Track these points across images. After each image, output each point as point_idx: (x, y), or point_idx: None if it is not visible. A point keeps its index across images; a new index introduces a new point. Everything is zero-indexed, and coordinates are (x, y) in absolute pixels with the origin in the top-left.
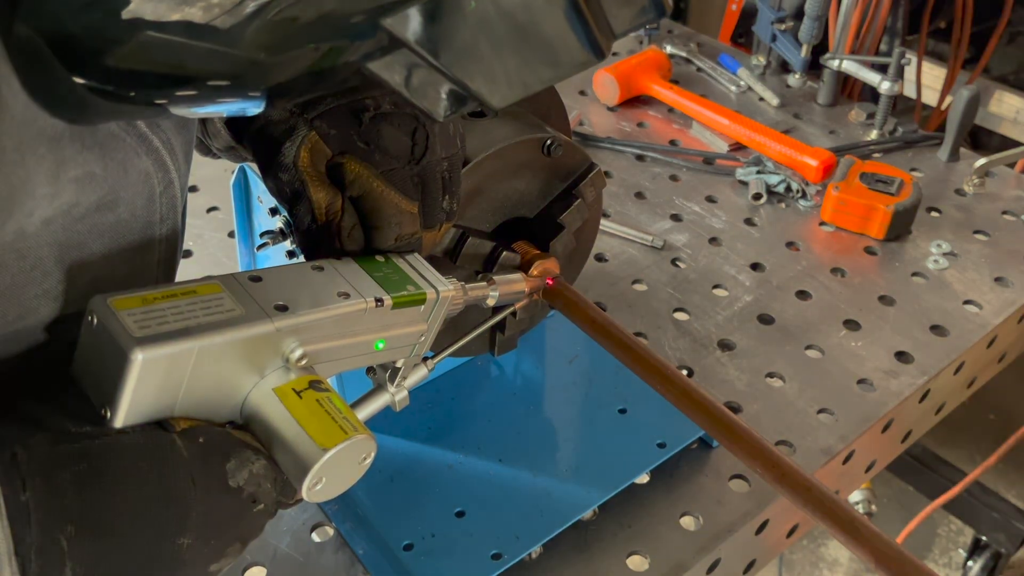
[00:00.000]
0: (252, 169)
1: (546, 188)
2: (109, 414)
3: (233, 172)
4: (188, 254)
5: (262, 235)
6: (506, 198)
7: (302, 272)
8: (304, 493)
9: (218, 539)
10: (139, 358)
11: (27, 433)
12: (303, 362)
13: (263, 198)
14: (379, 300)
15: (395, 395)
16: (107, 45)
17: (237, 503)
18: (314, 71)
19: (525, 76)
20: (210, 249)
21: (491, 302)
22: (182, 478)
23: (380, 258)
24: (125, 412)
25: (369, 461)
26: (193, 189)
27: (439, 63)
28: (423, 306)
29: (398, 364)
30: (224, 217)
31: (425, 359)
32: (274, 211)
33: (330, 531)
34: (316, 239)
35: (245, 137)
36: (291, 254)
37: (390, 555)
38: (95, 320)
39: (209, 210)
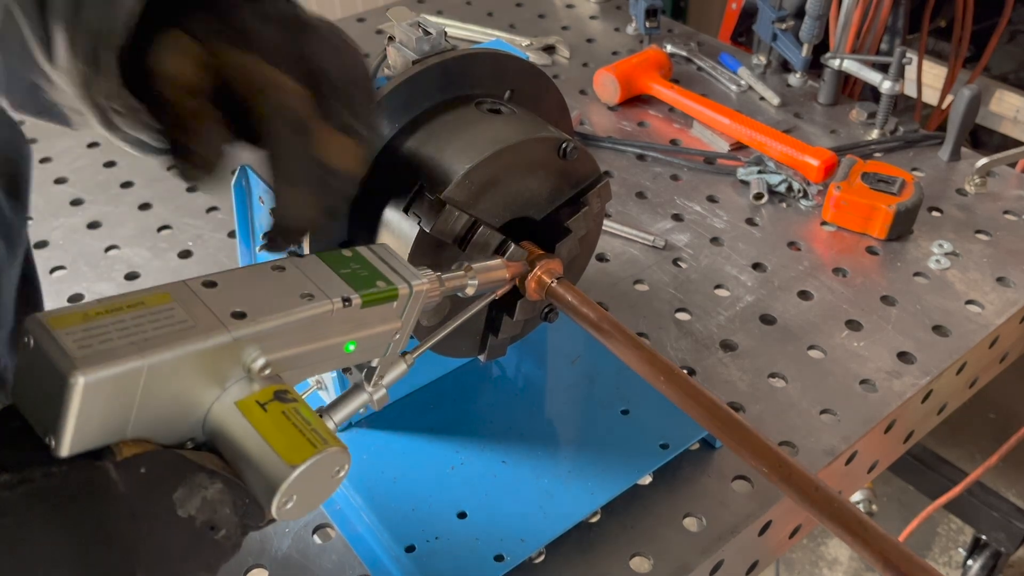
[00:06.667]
0: (253, 169)
1: (555, 192)
2: (54, 442)
3: (234, 172)
4: (188, 254)
5: (262, 235)
6: (517, 195)
7: (261, 273)
8: (274, 513)
9: (176, 572)
10: (80, 382)
11: None
12: (267, 372)
13: (263, 198)
14: (347, 300)
15: (373, 394)
16: None
17: (190, 533)
18: None
19: None
20: (210, 249)
21: (470, 291)
22: (121, 514)
23: (347, 252)
24: (70, 439)
25: (343, 474)
26: (193, 189)
27: None
28: (395, 302)
29: (374, 363)
30: (224, 217)
31: (403, 354)
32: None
33: (332, 533)
34: (178, 149)
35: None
36: (292, 254)
37: (392, 557)
38: (31, 341)
39: (209, 210)
